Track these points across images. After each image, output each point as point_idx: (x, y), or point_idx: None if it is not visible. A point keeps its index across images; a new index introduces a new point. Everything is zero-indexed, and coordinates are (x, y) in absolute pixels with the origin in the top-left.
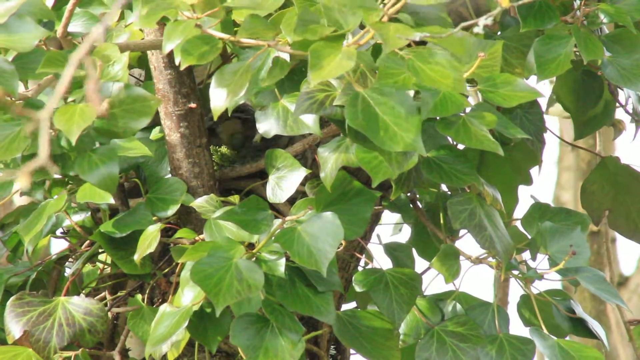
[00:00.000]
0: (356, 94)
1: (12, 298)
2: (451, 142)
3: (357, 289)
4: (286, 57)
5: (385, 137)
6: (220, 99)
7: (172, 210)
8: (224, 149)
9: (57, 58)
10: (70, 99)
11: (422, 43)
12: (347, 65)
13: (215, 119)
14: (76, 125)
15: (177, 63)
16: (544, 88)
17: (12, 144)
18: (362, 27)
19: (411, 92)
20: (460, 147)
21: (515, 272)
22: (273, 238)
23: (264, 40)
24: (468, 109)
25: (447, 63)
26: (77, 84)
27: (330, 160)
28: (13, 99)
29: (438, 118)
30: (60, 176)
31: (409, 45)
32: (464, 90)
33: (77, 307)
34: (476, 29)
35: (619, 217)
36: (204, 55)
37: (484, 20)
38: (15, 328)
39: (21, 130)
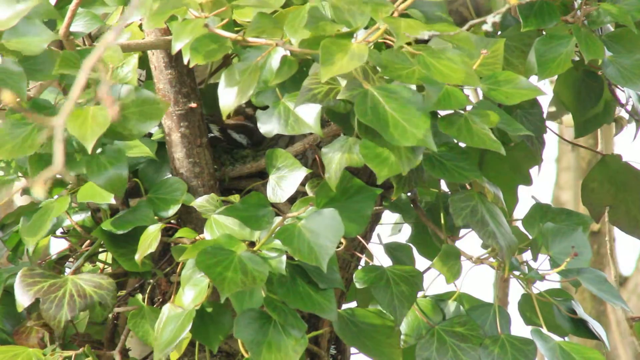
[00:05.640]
0: (365, 91)
1: (23, 269)
2: (453, 142)
3: (358, 285)
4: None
5: (395, 133)
6: (229, 99)
7: (172, 210)
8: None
9: (71, 59)
10: (79, 101)
11: (423, 42)
12: (358, 61)
13: (224, 118)
14: (90, 130)
15: (185, 62)
16: (548, 91)
17: (25, 142)
18: (366, 28)
19: (413, 87)
20: (462, 144)
21: (517, 273)
22: (274, 235)
23: (272, 39)
24: (469, 107)
25: (458, 58)
26: (86, 85)
27: (334, 160)
28: (19, 100)
29: (440, 116)
30: (60, 176)
31: (409, 44)
32: (477, 84)
33: (88, 281)
34: (484, 27)
35: (619, 213)
36: (211, 53)
37: (492, 18)
38: (24, 298)
39: (33, 130)
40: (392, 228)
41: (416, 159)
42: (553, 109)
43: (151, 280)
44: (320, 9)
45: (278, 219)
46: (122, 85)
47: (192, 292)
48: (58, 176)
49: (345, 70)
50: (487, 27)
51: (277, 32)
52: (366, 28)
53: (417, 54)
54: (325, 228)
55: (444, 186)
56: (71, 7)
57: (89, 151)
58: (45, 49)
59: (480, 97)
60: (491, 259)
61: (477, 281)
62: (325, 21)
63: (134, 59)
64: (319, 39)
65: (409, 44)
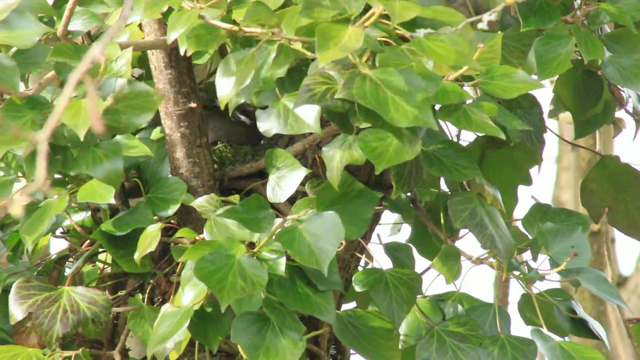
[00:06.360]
0: (363, 76)
1: (18, 280)
2: (452, 140)
3: (357, 288)
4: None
5: (396, 114)
6: (226, 88)
7: (172, 210)
8: (221, 146)
9: (64, 50)
10: (74, 94)
11: None
12: (354, 45)
13: (222, 108)
14: (83, 120)
15: (182, 52)
16: (547, 91)
17: (17, 136)
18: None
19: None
20: (462, 143)
21: (517, 273)
22: (274, 237)
23: (268, 29)
24: (469, 101)
25: (450, 40)
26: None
27: (335, 158)
28: (11, 94)
29: (438, 107)
30: (60, 176)
31: (406, 40)
32: (470, 64)
33: (82, 296)
34: (480, 25)
35: (618, 214)
36: (207, 42)
37: (487, 16)
38: (18, 310)
39: (26, 123)
40: (392, 228)
41: (417, 141)
42: (552, 107)
43: (151, 281)
44: None
45: (278, 221)
46: (116, 79)
47: (191, 293)
48: (56, 176)
49: (342, 54)
50: (482, 25)
51: (273, 20)
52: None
53: (414, 36)
54: (325, 231)
55: (443, 186)
56: (69, 5)
57: (81, 138)
58: (38, 41)
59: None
60: (491, 259)
61: (477, 281)
62: (321, 7)
63: (128, 52)
64: (314, 27)
65: (406, 40)
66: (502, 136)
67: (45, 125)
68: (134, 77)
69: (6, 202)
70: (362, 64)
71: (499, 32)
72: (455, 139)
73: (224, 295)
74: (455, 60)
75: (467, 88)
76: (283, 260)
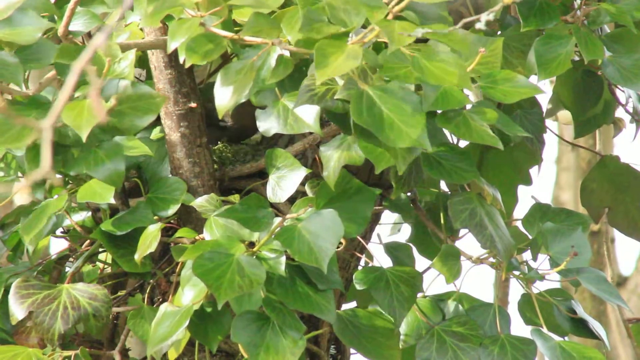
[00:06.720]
0: (360, 91)
1: (17, 280)
2: (452, 141)
3: (358, 287)
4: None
5: (391, 133)
6: (225, 98)
7: (172, 210)
8: (221, 146)
9: (69, 51)
10: (77, 94)
11: (422, 41)
12: (353, 64)
13: (220, 117)
14: (86, 120)
15: (181, 61)
16: (547, 91)
17: (20, 135)
18: (363, 26)
19: (411, 86)
20: (461, 145)
21: (517, 273)
22: (273, 236)
23: (268, 39)
24: (469, 106)
25: (452, 60)
26: (82, 80)
27: (332, 158)
28: (10, 97)
29: (438, 113)
30: (60, 176)
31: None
32: (469, 87)
33: (82, 292)
34: (478, 25)
35: (618, 214)
36: (208, 53)
37: (486, 16)
38: (18, 310)
39: (30, 121)
40: (392, 228)
41: (411, 158)
42: (550, 106)
43: (151, 281)
44: (315, 10)
45: (278, 220)
46: (119, 80)
47: (191, 292)
48: (57, 176)
49: (340, 72)
50: (480, 25)
51: (274, 32)
52: (364, 27)
53: (412, 55)
54: (325, 229)
55: (443, 186)
56: (70, 5)
57: (84, 139)
58: (39, 38)
59: (481, 98)
60: (491, 259)
61: (477, 281)
62: (321, 23)
63: (132, 54)
64: (315, 40)
65: None
66: (501, 146)
67: (49, 114)
68: (135, 77)
69: (6, 203)
70: (362, 79)
71: (499, 32)
72: (454, 141)
73: (221, 292)
74: (452, 82)
75: (468, 91)
76: (283, 259)
